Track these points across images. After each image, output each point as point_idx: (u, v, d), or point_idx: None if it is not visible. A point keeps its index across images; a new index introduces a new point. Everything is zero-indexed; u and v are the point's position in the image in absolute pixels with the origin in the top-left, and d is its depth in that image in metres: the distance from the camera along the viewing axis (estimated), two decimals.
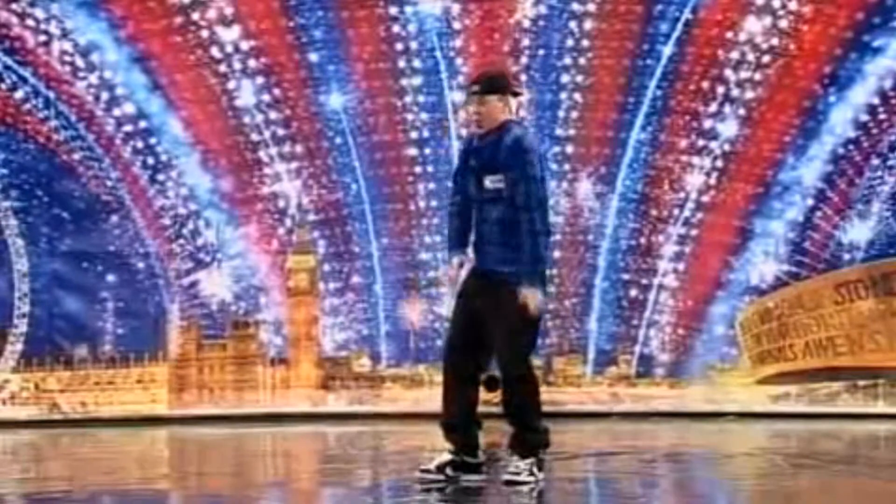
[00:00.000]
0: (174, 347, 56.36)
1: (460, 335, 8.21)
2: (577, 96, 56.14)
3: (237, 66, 55.75)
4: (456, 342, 8.21)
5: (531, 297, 7.98)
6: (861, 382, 53.85)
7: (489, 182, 8.06)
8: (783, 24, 55.24)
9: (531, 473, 8.30)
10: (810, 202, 57.24)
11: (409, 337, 56.02)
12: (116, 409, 52.56)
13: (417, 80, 55.61)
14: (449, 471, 8.37)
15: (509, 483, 8.25)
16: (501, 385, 8.24)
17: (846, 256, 57.21)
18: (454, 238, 8.33)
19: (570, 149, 56.60)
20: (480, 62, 54.87)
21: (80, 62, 55.68)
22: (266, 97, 56.36)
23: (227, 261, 57.56)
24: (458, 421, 8.29)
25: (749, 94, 56.05)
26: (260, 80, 56.22)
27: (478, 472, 8.44)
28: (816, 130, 56.32)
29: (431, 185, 55.81)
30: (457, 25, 56.11)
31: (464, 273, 8.41)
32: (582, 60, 56.04)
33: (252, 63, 55.85)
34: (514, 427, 8.31)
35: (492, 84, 8.27)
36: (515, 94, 8.35)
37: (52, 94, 56.03)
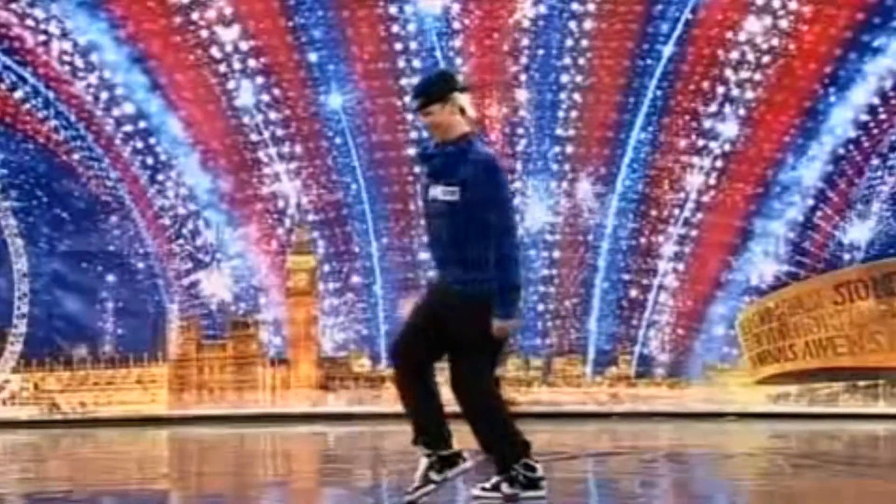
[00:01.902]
0: (174, 347, 56.34)
1: (415, 332, 7.91)
2: (577, 96, 56.12)
3: (237, 65, 55.73)
4: (409, 338, 7.89)
5: (507, 328, 7.76)
6: (861, 383, 53.88)
7: (440, 192, 7.66)
8: (783, 24, 55.22)
9: (496, 489, 7.89)
10: (810, 202, 57.22)
11: None
12: (116, 409, 52.57)
13: (417, 80, 55.51)
14: (433, 475, 8.04)
15: (476, 498, 7.93)
16: (461, 406, 7.91)
17: (846, 256, 57.22)
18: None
19: (569, 149, 56.59)
20: (480, 62, 54.93)
21: (79, 62, 55.66)
22: (265, 97, 56.34)
23: (227, 261, 57.55)
24: (424, 418, 7.94)
25: (749, 94, 56.04)
26: (259, 79, 56.20)
27: (458, 463, 8.09)
28: (816, 130, 56.32)
29: None
30: (456, 25, 56.10)
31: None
32: (582, 60, 56.01)
33: (251, 63, 55.83)
34: (483, 447, 7.97)
35: (429, 94, 7.90)
36: (463, 90, 8.01)
37: (51, 94, 56.01)
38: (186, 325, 56.59)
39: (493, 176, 7.62)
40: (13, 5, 54.76)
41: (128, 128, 56.37)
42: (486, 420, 7.77)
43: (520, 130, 56.57)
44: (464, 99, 7.76)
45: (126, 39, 55.31)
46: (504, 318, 7.52)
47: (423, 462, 7.91)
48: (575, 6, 55.51)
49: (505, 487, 7.65)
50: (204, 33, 55.32)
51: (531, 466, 7.67)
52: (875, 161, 56.88)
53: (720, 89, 56.04)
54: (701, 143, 56.77)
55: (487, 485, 7.89)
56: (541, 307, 57.71)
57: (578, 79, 56.19)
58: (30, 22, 55.08)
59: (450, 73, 8.41)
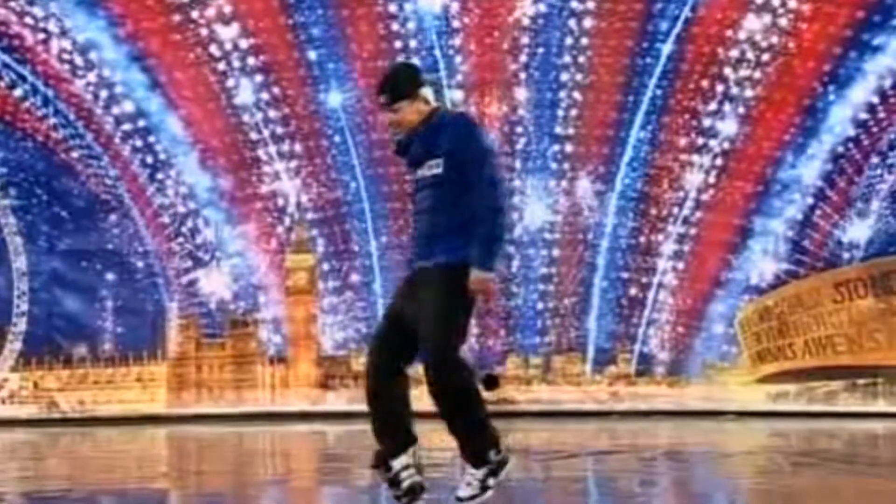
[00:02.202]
0: (173, 346, 56.34)
1: (384, 338, 7.50)
2: (577, 95, 56.16)
3: (236, 64, 55.78)
4: (380, 344, 7.49)
5: (483, 281, 7.25)
6: (860, 381, 53.86)
7: (425, 169, 7.46)
8: (783, 22, 55.26)
9: (483, 487, 7.31)
10: (810, 201, 57.30)
11: None
12: (115, 407, 52.53)
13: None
14: (405, 475, 7.40)
15: (460, 500, 7.27)
16: (431, 391, 7.21)
17: (845, 255, 57.30)
18: None
19: (569, 147, 56.63)
20: (479, 60, 54.93)
21: (78, 60, 55.69)
22: (265, 95, 56.39)
23: (226, 259, 57.61)
24: (391, 421, 7.41)
25: (749, 93, 56.07)
26: (259, 78, 56.25)
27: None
28: (816, 129, 56.37)
29: None
30: (456, 23, 56.13)
31: None
32: (581, 59, 56.04)
33: (251, 61, 55.88)
34: (454, 434, 7.32)
35: (396, 90, 7.60)
36: (426, 84, 7.64)
37: (50, 92, 56.05)
38: (186, 323, 56.62)
39: (471, 132, 7.40)
40: (12, 3, 54.78)
41: (127, 126, 56.44)
42: (457, 395, 7.30)
43: (519, 129, 56.66)
44: (428, 91, 7.58)
45: (125, 37, 55.39)
46: (483, 268, 7.23)
47: (396, 462, 7.38)
48: (574, 4, 55.56)
49: (491, 481, 7.30)
50: (203, 31, 55.38)
51: (501, 450, 7.26)
52: (874, 159, 56.95)
53: (720, 87, 56.11)
54: (700, 141, 56.84)
55: (475, 485, 7.30)
56: (540, 305, 57.81)
57: (578, 77, 56.25)
58: (29, 20, 55.12)
59: (414, 66, 8.07)
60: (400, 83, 7.68)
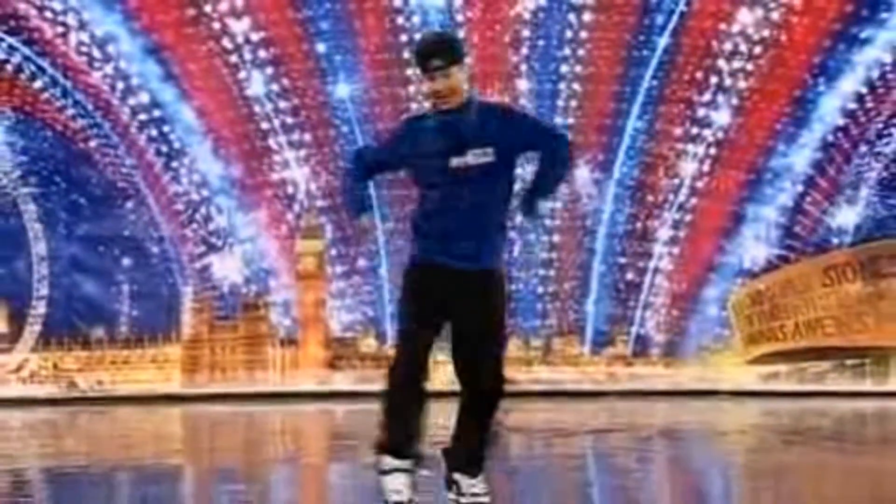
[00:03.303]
0: (187, 328, 56.41)
1: (423, 350, 6.63)
2: (576, 86, 56.13)
3: (247, 56, 55.77)
4: (418, 359, 6.63)
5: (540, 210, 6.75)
6: (849, 362, 53.90)
7: (472, 157, 6.50)
8: (775, 15, 55.21)
9: (488, 491, 6.67)
10: (800, 188, 57.30)
11: None
12: (132, 387, 52.54)
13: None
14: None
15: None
16: (478, 406, 6.57)
17: (835, 240, 57.28)
18: (363, 201, 7.02)
19: (568, 136, 56.49)
20: (482, 53, 54.83)
21: (96, 53, 55.69)
22: (275, 87, 56.38)
23: (238, 245, 57.62)
24: (416, 434, 6.60)
25: (741, 84, 56.03)
26: (269, 70, 56.24)
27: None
28: (806, 119, 56.36)
29: None
30: (459, 17, 56.12)
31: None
32: (580, 51, 56.02)
33: (262, 53, 55.85)
34: (476, 438, 6.68)
35: (454, 53, 6.56)
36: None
37: (69, 84, 56.03)
38: (199, 306, 56.65)
39: (518, 113, 6.97)
40: None
41: (143, 116, 56.44)
42: (494, 408, 6.93)
43: None
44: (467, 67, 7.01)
45: (141, 31, 55.38)
46: (546, 199, 6.82)
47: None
48: None
49: (487, 486, 6.84)
50: (216, 25, 55.35)
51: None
52: (863, 148, 56.92)
53: (714, 79, 56.06)
54: (695, 131, 56.80)
55: (479, 487, 6.65)
56: (540, 289, 57.79)
57: (577, 69, 56.22)
58: (48, 14, 55.11)
59: (455, 34, 7.39)
60: (454, 46, 6.67)
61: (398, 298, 6.76)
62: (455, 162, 6.55)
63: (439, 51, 6.63)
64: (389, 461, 6.51)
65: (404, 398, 6.59)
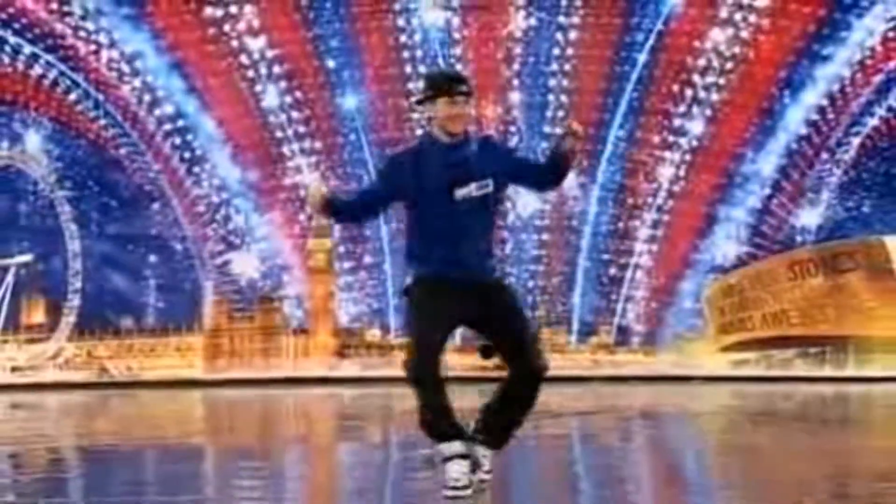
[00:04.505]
0: (208, 319, 56.38)
1: (438, 344, 6.52)
2: (563, 98, 56.14)
3: (263, 71, 55.77)
4: (434, 351, 6.50)
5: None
6: (811, 349, 53.86)
7: (475, 189, 6.45)
8: (744, 34, 55.19)
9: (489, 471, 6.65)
10: (767, 191, 57.29)
11: None
12: (158, 373, 52.54)
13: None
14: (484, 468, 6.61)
15: (483, 482, 6.56)
16: (528, 384, 6.62)
17: (799, 239, 57.28)
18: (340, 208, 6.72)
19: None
20: (477, 68, 54.79)
21: (125, 68, 55.68)
22: (288, 99, 56.35)
23: (255, 243, 57.60)
24: (457, 424, 6.55)
25: (714, 97, 56.02)
26: (283, 83, 56.22)
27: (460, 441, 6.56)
28: (773, 128, 56.33)
29: None
30: (457, 36, 56.16)
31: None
32: (567, 66, 56.05)
33: (276, 69, 55.85)
34: (515, 420, 6.64)
35: (471, 88, 6.57)
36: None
37: (100, 97, 55.99)
38: (219, 299, 56.63)
39: (501, 145, 6.96)
40: (68, 19, 54.77)
41: (167, 126, 56.39)
42: (539, 387, 6.70)
43: (512, 129, 56.63)
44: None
45: (166, 48, 55.36)
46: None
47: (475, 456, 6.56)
48: (561, 19, 55.57)
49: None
50: (234, 43, 55.31)
51: None
52: (824, 155, 56.90)
53: (689, 92, 56.04)
54: (672, 139, 56.77)
55: (487, 467, 6.64)
56: (531, 283, 57.73)
57: (564, 83, 56.21)
58: (82, 33, 55.09)
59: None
60: (468, 80, 6.66)
61: (406, 318, 6.68)
62: (459, 193, 6.46)
63: (465, 80, 6.56)
64: (447, 447, 6.47)
65: (435, 392, 6.45)
